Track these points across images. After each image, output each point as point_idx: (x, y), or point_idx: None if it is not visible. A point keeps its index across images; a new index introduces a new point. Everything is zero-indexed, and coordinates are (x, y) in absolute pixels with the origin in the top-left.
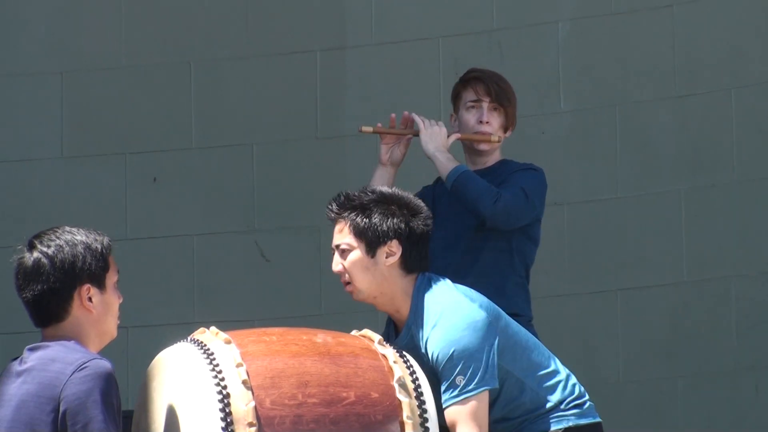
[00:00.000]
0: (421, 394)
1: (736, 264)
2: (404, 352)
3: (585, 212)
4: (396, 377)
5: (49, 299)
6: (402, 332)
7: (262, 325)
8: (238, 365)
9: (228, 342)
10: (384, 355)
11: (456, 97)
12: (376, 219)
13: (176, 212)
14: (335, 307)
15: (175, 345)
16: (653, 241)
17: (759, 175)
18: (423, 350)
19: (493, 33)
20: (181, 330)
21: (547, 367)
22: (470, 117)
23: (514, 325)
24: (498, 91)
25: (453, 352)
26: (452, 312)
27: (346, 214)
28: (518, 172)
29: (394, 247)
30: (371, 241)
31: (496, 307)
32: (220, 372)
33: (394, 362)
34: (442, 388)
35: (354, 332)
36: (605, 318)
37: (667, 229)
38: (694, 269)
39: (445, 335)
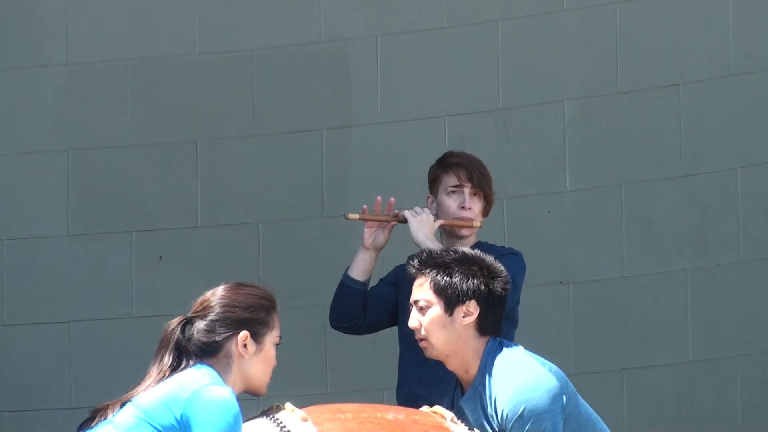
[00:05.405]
0: None
1: (741, 343)
2: (476, 429)
3: (590, 291)
4: None
5: None
6: (467, 392)
7: (269, 401)
8: None
9: (305, 420)
10: None
11: (434, 181)
12: (456, 278)
13: (182, 290)
14: (341, 386)
15: (251, 421)
16: (658, 321)
17: (765, 255)
18: (490, 409)
19: (499, 112)
20: None
21: None
22: (451, 202)
23: (579, 397)
24: (480, 177)
25: (523, 410)
26: (524, 372)
27: (427, 270)
28: (503, 258)
29: (472, 307)
30: (450, 300)
31: (564, 375)
32: None
33: None
34: None
35: (425, 408)
36: (610, 398)
37: (673, 309)
38: (699, 349)
39: (516, 393)
